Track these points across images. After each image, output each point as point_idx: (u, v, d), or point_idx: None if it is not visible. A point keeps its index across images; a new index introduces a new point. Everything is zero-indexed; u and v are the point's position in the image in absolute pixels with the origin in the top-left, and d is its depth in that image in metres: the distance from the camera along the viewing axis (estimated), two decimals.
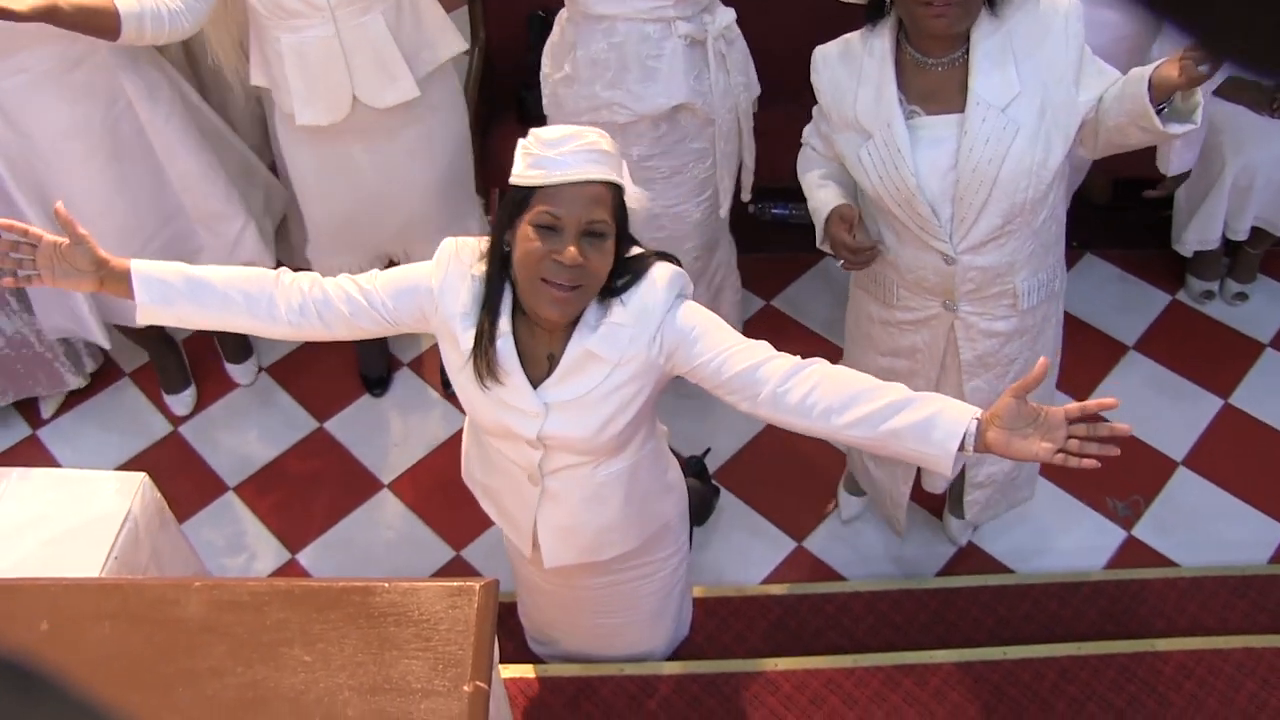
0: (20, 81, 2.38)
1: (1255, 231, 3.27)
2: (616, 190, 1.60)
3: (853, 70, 1.96)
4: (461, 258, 1.68)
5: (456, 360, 1.71)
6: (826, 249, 2.10)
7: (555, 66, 2.49)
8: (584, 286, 1.57)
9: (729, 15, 2.44)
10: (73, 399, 3.32)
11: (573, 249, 1.53)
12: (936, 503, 2.88)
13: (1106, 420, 1.54)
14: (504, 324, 1.65)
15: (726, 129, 2.55)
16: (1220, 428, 3.19)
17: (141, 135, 2.59)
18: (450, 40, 2.58)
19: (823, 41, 2.05)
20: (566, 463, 1.80)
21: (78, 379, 3.23)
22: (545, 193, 1.55)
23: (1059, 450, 1.48)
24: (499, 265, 1.64)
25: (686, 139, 2.53)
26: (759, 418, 1.66)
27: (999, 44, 1.85)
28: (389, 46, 2.40)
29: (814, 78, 2.05)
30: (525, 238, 1.56)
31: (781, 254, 3.58)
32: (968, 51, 1.87)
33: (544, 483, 1.83)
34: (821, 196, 2.09)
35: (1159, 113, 1.79)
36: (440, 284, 1.67)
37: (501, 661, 1.86)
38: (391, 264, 2.72)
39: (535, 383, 1.69)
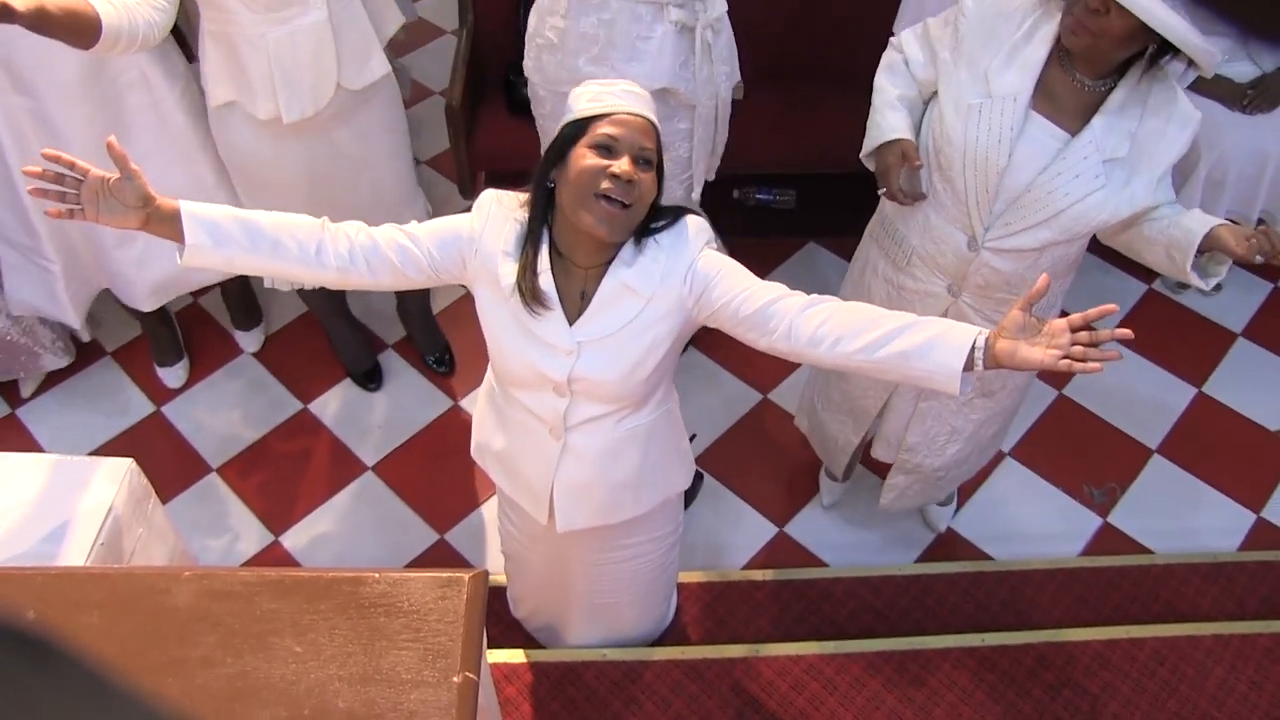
0: (31, 42, 2.34)
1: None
2: (659, 133, 1.72)
3: (1010, 30, 1.94)
4: (504, 204, 1.77)
5: (494, 298, 1.76)
6: (870, 165, 2.14)
7: (540, 30, 2.48)
8: (632, 208, 1.65)
9: (720, 6, 2.43)
10: (53, 378, 3.28)
11: (628, 161, 1.64)
12: None
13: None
14: (544, 260, 1.73)
15: (705, 115, 2.56)
16: (1193, 416, 3.24)
17: (150, 111, 2.58)
18: (391, 16, 2.57)
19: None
20: (591, 414, 1.84)
21: (58, 359, 3.20)
22: (604, 120, 1.67)
23: (1064, 357, 1.55)
24: (542, 205, 1.73)
25: (673, 118, 2.55)
26: (776, 353, 1.72)
27: (1134, 106, 1.88)
28: (366, 23, 2.39)
29: (972, 1, 1.98)
30: (581, 158, 1.65)
31: (765, 239, 3.60)
32: (1109, 92, 1.89)
33: (566, 437, 1.87)
34: (891, 119, 2.08)
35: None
36: (481, 229, 1.75)
37: (487, 647, 1.87)
38: None
39: (569, 321, 1.75)
